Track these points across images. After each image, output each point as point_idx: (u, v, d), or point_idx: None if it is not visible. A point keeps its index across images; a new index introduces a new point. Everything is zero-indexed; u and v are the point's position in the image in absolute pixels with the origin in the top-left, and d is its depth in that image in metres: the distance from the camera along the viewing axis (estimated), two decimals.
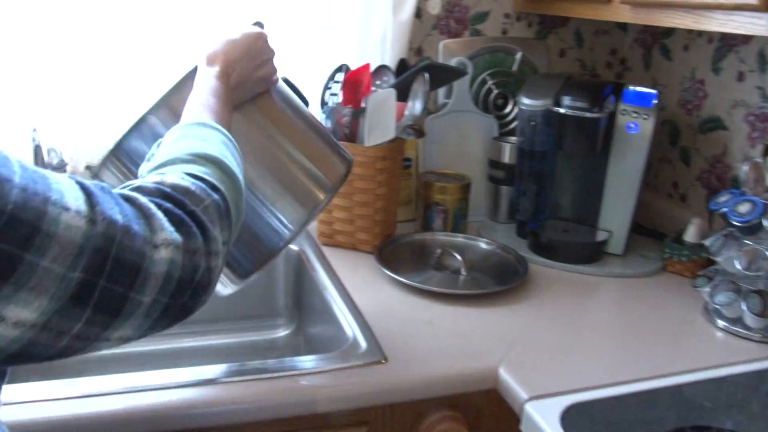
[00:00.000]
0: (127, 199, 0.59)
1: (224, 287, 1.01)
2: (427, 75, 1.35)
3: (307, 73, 1.55)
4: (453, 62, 1.63)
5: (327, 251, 1.50)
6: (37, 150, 1.18)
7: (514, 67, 1.71)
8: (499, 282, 1.36)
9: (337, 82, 1.47)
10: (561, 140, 1.46)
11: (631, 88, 1.42)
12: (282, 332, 1.56)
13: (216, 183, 0.66)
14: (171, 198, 0.62)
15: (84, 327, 0.55)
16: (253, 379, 1.04)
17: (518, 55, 1.71)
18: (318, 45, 1.55)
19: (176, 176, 0.64)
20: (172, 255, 0.58)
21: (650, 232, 1.60)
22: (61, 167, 1.15)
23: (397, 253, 1.46)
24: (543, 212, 1.55)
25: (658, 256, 1.48)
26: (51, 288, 0.52)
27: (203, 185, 0.65)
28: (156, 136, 0.79)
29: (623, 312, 1.30)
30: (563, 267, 1.44)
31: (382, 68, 1.51)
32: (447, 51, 1.68)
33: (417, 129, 1.41)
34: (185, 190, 0.63)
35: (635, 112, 1.42)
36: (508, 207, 1.66)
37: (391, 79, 1.50)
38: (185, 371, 1.04)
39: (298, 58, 1.56)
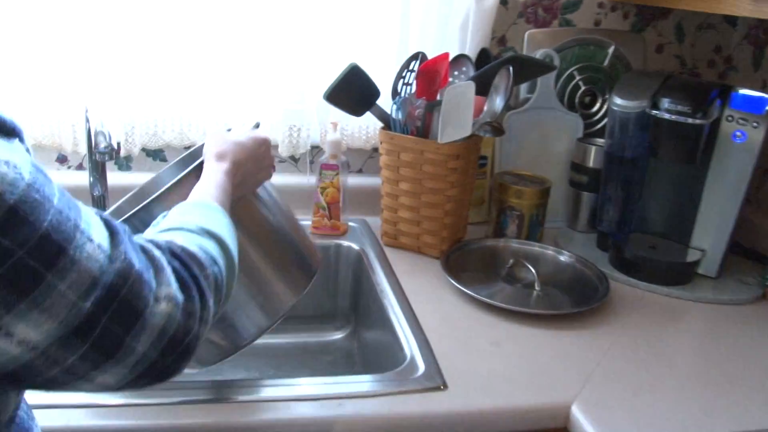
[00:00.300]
0: (142, 248, 0.61)
1: None
2: (510, 69, 1.22)
3: (380, 59, 1.45)
4: (539, 54, 1.49)
5: (389, 253, 1.40)
6: (90, 134, 1.11)
7: (606, 62, 1.56)
8: (576, 300, 1.23)
9: (411, 71, 1.35)
10: (655, 147, 1.31)
11: (741, 91, 1.26)
12: (336, 335, 1.47)
13: (217, 258, 0.68)
14: (179, 258, 0.64)
15: (77, 361, 0.55)
16: (296, 398, 0.94)
17: (611, 49, 1.56)
18: (394, 30, 1.44)
19: (185, 240, 0.67)
20: (171, 311, 0.59)
21: (750, 254, 1.43)
22: (108, 151, 1.08)
23: (465, 261, 1.35)
24: (628, 224, 1.41)
25: (759, 281, 1.32)
26: (61, 313, 0.53)
27: (206, 255, 0.67)
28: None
29: (716, 345, 1.15)
30: (648, 287, 1.30)
31: (461, 58, 1.39)
32: (533, 41, 1.54)
33: (495, 126, 1.29)
34: (192, 255, 0.65)
35: (743, 119, 1.25)
36: (589, 215, 1.52)
37: (471, 71, 1.38)
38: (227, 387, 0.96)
39: (372, 43, 1.45)
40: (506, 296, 1.23)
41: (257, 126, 1.01)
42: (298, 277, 1.00)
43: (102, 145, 1.07)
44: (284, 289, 0.98)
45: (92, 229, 0.56)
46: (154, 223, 0.73)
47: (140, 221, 0.81)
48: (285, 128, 1.45)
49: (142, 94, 1.38)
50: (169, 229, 0.69)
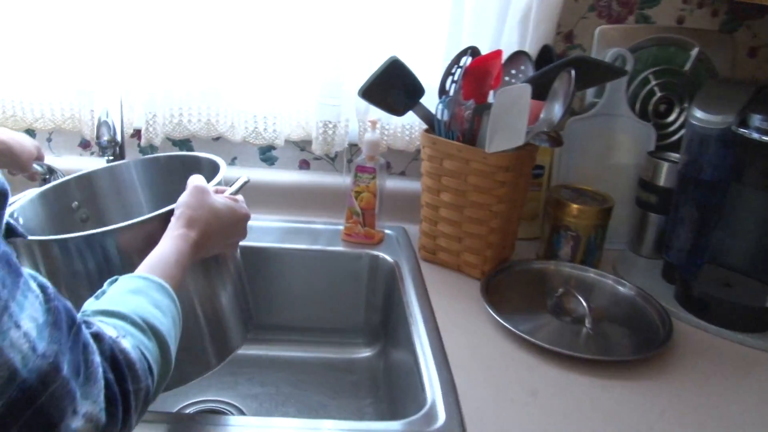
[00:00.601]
0: (85, 345, 0.55)
1: None
2: (573, 72, 1.06)
3: (428, 53, 1.30)
4: (610, 54, 1.32)
5: (426, 268, 1.26)
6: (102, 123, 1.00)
7: (687, 66, 1.37)
8: (633, 343, 1.07)
9: (462, 67, 1.20)
10: (741, 170, 1.13)
11: None
12: (363, 352, 1.34)
13: (154, 366, 0.63)
14: (118, 368, 0.58)
15: None
16: None
17: (694, 51, 1.37)
18: (443, 20, 1.29)
19: (129, 343, 0.61)
20: (87, 430, 0.53)
21: None
22: (110, 145, 0.97)
23: (508, 285, 1.20)
24: (700, 255, 1.23)
25: None
26: None
27: (145, 365, 0.61)
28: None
29: None
30: (718, 332, 1.12)
31: (519, 55, 1.23)
32: (604, 39, 1.37)
33: (553, 136, 1.13)
34: (131, 365, 0.60)
35: None
36: (655, 240, 1.34)
37: (529, 70, 1.22)
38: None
39: (418, 34, 1.30)
40: (550, 333, 1.07)
41: (245, 183, 0.94)
42: (210, 353, 0.93)
43: (104, 138, 0.96)
44: (190, 365, 0.90)
45: (24, 313, 0.50)
46: (99, 292, 0.66)
47: (86, 244, 0.77)
48: (319, 124, 1.32)
49: (165, 81, 1.28)
50: (110, 313, 0.62)
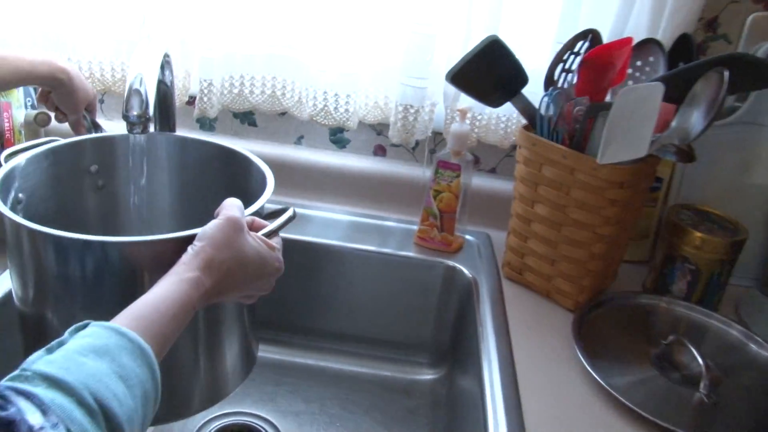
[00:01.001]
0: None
1: None
2: (726, 74, 0.83)
3: (536, 33, 1.08)
4: (764, 49, 1.07)
5: (509, 288, 1.07)
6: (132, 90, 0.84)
7: None
8: (761, 423, 0.85)
9: (577, 54, 0.99)
10: None
11: None
12: (426, 374, 1.17)
13: None
14: None
15: None
16: None
17: None
18: None
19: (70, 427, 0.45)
20: None
21: None
22: (140, 122, 0.80)
23: (606, 321, 0.99)
24: None
25: None
26: None
27: None
28: None
29: None
30: None
31: (648, 44, 1.00)
32: (757, 30, 1.11)
33: (684, 150, 0.91)
34: None
35: None
36: None
37: (659, 64, 0.99)
38: None
39: (523, 10, 1.09)
40: (652, 393, 0.86)
41: (289, 219, 0.75)
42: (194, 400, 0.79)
43: (134, 111, 0.80)
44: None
45: None
46: (55, 343, 0.51)
47: (84, 249, 0.65)
48: (399, 108, 1.13)
49: (224, 42, 1.11)
50: (59, 384, 0.47)
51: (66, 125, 0.99)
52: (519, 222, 1.04)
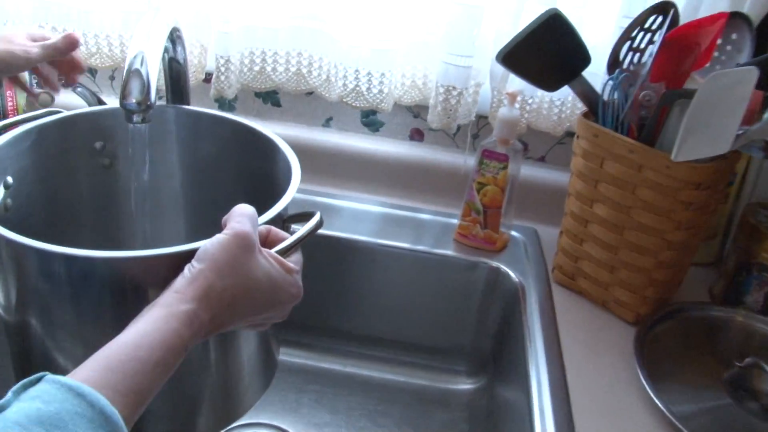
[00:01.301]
0: None
1: None
2: None
3: (600, 7, 0.95)
4: None
5: (559, 295, 0.95)
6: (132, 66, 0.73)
7: None
8: None
9: (649, 31, 0.85)
10: None
11: None
12: (464, 384, 1.06)
13: None
14: None
15: None
16: None
17: None
18: None
19: None
20: None
21: None
22: (141, 109, 0.69)
23: (671, 336, 0.87)
24: None
25: None
26: None
27: None
28: None
29: None
30: None
31: (735, 19, 0.86)
32: None
33: None
34: None
35: None
36: None
37: (746, 44, 0.85)
38: None
39: None
40: (725, 426, 0.75)
41: (314, 229, 0.63)
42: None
43: (132, 97, 0.69)
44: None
45: None
46: (3, 402, 0.40)
47: (68, 265, 0.56)
48: (440, 89, 1.00)
49: (243, 13, 0.99)
50: None
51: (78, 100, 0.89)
52: (574, 222, 0.91)
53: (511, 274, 0.98)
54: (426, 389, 1.06)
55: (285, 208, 0.66)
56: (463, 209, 1.01)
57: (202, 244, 0.54)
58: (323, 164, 1.13)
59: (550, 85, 0.90)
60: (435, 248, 1.02)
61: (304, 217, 0.65)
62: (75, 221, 0.81)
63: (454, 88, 0.99)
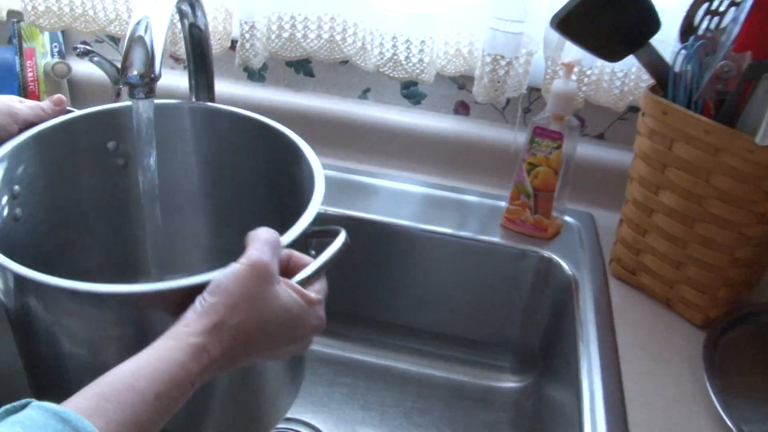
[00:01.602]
0: None
1: None
2: None
3: None
4: None
5: (617, 290, 0.85)
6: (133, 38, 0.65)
7: None
8: None
9: None
10: None
11: None
12: (509, 381, 0.98)
13: None
14: None
15: None
16: None
17: None
18: None
19: None
20: None
21: None
22: (142, 83, 0.61)
23: (746, 345, 0.77)
24: None
25: None
26: None
27: None
28: None
29: None
30: None
31: None
32: None
33: None
34: None
35: None
36: None
37: None
38: None
39: None
40: None
41: (340, 251, 0.56)
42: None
43: (135, 69, 0.61)
44: None
45: None
46: None
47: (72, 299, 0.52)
48: (487, 58, 0.90)
49: None
50: None
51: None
52: (636, 210, 0.81)
53: (564, 264, 0.88)
54: (467, 386, 0.97)
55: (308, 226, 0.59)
56: (512, 192, 0.91)
57: (215, 276, 0.49)
58: (360, 139, 1.04)
59: (613, 55, 0.79)
60: (480, 234, 0.92)
61: (327, 233, 0.59)
62: (88, 225, 0.77)
63: (503, 57, 0.88)
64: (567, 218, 0.96)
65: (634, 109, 0.95)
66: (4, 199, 0.64)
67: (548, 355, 0.92)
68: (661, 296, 0.82)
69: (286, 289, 0.50)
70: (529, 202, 0.90)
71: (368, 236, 0.95)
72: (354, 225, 0.93)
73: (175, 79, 0.99)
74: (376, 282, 0.98)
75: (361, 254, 0.96)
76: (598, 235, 0.94)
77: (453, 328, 0.99)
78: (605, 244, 0.92)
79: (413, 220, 0.94)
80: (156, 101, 0.66)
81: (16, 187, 0.66)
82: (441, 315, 0.98)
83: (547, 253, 0.90)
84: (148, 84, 0.62)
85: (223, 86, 1.05)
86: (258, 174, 0.77)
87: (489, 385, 0.97)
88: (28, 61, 1.03)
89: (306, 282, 0.53)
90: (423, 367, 0.99)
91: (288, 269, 0.54)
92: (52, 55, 1.05)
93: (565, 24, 0.74)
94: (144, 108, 0.65)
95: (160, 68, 0.63)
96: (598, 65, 0.90)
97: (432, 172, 1.04)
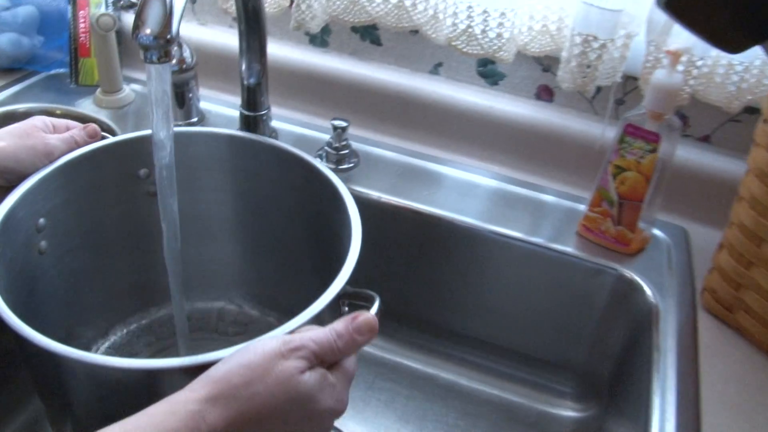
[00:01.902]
0: None
1: None
2: None
3: None
4: None
5: (707, 327, 0.72)
6: None
7: None
8: None
9: None
10: None
11: None
12: (568, 410, 0.86)
13: None
14: None
15: None
16: None
17: None
18: None
19: None
20: None
21: None
22: (157, 46, 0.53)
23: None
24: None
25: None
26: None
27: None
28: None
29: None
30: None
31: None
32: None
33: None
34: None
35: None
36: None
37: None
38: None
39: None
40: None
41: (373, 318, 0.50)
42: None
43: (148, 27, 0.52)
44: None
45: None
46: None
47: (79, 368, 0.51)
48: (576, 38, 0.76)
49: None
50: None
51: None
52: (742, 237, 0.67)
53: (646, 288, 0.75)
54: (519, 408, 0.86)
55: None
56: (593, 196, 0.78)
57: (246, 346, 0.47)
58: (427, 119, 0.93)
59: (732, 44, 0.64)
60: (553, 242, 0.80)
61: (361, 297, 0.56)
62: (116, 250, 0.76)
63: (595, 38, 0.75)
64: (656, 231, 0.82)
65: (751, 111, 0.79)
66: (28, 234, 0.63)
67: (616, 387, 0.80)
68: (762, 343, 0.68)
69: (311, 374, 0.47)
70: (612, 210, 0.77)
71: (426, 230, 0.85)
72: (411, 217, 0.83)
73: (229, 38, 0.90)
74: (431, 282, 0.88)
75: (414, 249, 0.86)
76: (691, 257, 0.80)
77: (511, 342, 0.87)
78: (699, 268, 0.78)
79: (480, 218, 0.83)
80: (204, 129, 0.67)
81: (42, 220, 0.65)
82: (499, 325, 0.87)
83: (627, 273, 0.77)
84: (162, 46, 0.54)
85: (281, 49, 0.96)
86: (297, 212, 0.74)
87: (544, 410, 0.86)
88: (81, 11, 0.97)
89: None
90: (472, 381, 0.89)
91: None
92: (106, 6, 0.98)
93: (676, 3, 0.61)
94: (158, 73, 0.56)
95: (178, 28, 0.54)
96: (712, 55, 0.75)
97: (505, 163, 0.92)
